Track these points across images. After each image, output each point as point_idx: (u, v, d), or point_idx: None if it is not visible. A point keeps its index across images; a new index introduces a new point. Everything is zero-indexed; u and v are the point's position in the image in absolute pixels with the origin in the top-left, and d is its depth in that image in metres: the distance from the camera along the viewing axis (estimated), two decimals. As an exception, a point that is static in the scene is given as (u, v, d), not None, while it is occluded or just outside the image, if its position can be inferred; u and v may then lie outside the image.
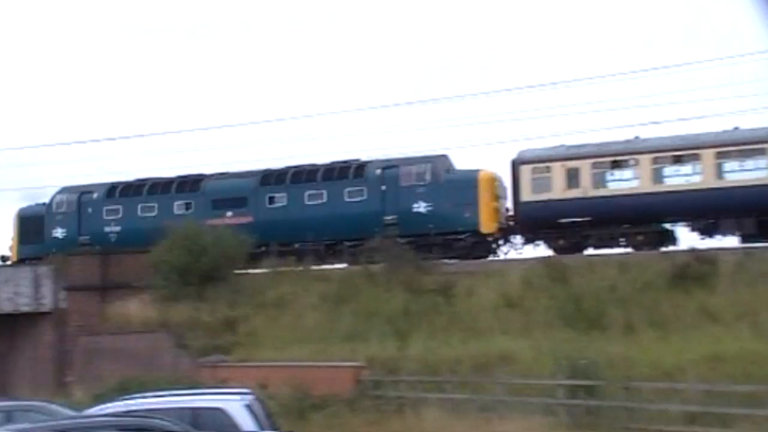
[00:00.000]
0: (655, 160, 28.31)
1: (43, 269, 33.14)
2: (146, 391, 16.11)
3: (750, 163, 27.13)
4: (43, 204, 36.57)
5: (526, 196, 29.34)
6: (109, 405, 13.43)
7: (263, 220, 31.68)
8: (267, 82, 75.26)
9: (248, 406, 12.87)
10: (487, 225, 29.99)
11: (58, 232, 35.46)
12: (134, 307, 30.71)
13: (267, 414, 13.46)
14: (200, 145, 66.57)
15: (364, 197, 30.77)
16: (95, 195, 35.20)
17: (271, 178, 32.61)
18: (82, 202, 35.25)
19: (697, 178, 27.69)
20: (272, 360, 25.76)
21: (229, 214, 32.24)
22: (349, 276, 30.23)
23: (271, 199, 32.03)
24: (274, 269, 31.24)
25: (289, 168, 32.78)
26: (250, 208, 32.16)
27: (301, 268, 31.06)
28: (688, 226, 28.64)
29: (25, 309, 33.72)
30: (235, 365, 26.50)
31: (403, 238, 29.40)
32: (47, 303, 33.21)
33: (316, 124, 65.16)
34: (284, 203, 31.82)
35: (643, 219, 28.18)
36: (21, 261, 35.92)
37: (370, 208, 30.59)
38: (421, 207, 30.24)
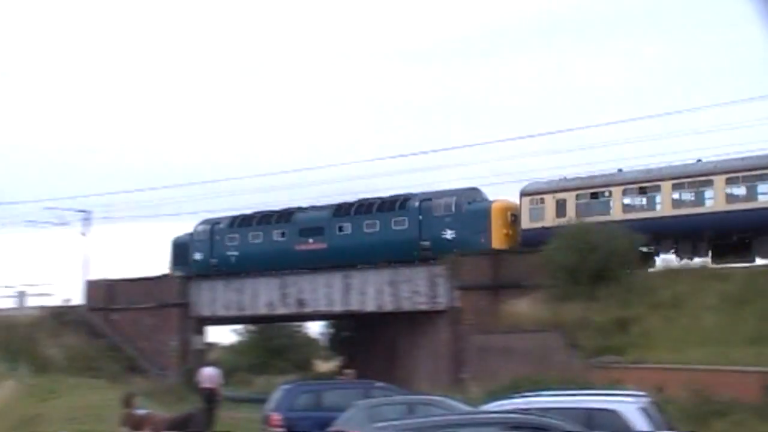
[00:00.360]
0: (624, 192, 32.03)
1: (438, 269, 34.48)
2: (538, 390, 15.99)
3: (704, 194, 30.58)
4: (189, 234, 42.39)
5: (525, 224, 33.67)
6: (503, 402, 13.46)
7: (337, 246, 36.95)
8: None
9: (643, 410, 12.23)
10: (498, 245, 34.10)
11: (197, 256, 41.41)
12: (525, 306, 30.84)
13: (665, 418, 12.71)
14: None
15: (406, 226, 35.62)
16: (222, 226, 41.38)
17: (341, 211, 37.94)
18: (213, 231, 41.39)
19: (658, 207, 31.34)
20: (668, 362, 24.52)
21: (311, 240, 37.77)
22: (753, 275, 28.08)
23: (339, 229, 37.35)
24: (667, 267, 29.92)
25: (353, 203, 38.04)
26: (326, 236, 37.41)
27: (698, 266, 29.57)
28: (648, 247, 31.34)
29: (422, 307, 35.39)
30: (628, 367, 25.58)
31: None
32: (442, 302, 34.55)
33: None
34: (350, 232, 36.96)
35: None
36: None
37: (411, 235, 35.43)
38: (447, 233, 34.82)
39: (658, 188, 31.17)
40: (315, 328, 57.06)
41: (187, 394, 30.16)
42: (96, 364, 36.89)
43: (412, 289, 35.60)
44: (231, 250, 40.33)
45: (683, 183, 30.78)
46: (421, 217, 35.52)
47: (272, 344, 53.97)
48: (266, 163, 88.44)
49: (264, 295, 39.57)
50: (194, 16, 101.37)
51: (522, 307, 31.00)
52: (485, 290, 33.07)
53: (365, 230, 36.70)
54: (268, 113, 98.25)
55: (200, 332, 41.76)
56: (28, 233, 49.95)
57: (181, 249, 42.38)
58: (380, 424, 15.01)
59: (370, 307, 37.08)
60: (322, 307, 38.70)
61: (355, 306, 37.53)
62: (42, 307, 42.07)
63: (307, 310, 39.45)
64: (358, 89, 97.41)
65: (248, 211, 41.14)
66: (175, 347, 39.99)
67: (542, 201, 33.45)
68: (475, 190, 36.18)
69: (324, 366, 52.95)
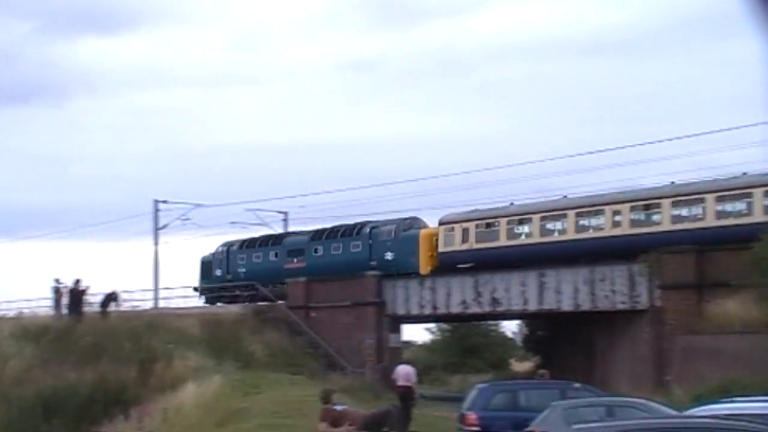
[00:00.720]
0: (509, 222, 37.73)
1: (638, 268, 33.25)
2: (749, 395, 15.02)
3: (591, 221, 35.58)
4: (212, 253, 49.21)
5: (441, 248, 39.51)
6: (711, 407, 12.72)
7: (312, 265, 43.54)
8: None
9: None
10: (424, 268, 40.11)
11: (218, 272, 48.06)
12: (734, 306, 29.15)
13: None
14: None
15: (360, 249, 42.24)
16: (234, 247, 48.25)
17: (316, 236, 44.99)
18: (229, 252, 48.23)
19: (528, 235, 37.26)
20: None
21: (295, 260, 44.56)
22: None
23: (315, 251, 44.29)
24: None
25: (326, 229, 45.12)
26: (305, 256, 44.37)
27: None
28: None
29: (621, 307, 34.20)
30: None
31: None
32: (642, 301, 33.29)
33: None
34: (320, 253, 44.02)
35: (504, 265, 37.32)
36: (201, 293, 48.88)
37: (363, 257, 41.91)
38: (389, 255, 41.09)
39: (530, 220, 37.22)
40: (511, 327, 56.62)
41: (383, 391, 30.46)
42: (296, 360, 37.95)
43: (611, 288, 34.49)
44: (240, 267, 47.25)
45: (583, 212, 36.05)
46: (370, 241, 42.14)
47: (467, 343, 53.86)
48: (452, 162, 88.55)
49: (457, 293, 39.52)
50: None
51: (730, 306, 29.30)
52: (689, 289, 31.53)
53: (332, 252, 43.60)
54: (455, 114, 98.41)
55: (396, 330, 42.17)
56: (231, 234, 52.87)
57: (206, 266, 49.10)
58: (578, 426, 14.52)
59: (566, 306, 36.27)
60: (516, 306, 38.22)
61: (550, 305, 36.81)
62: (245, 305, 43.76)
63: (501, 309, 39.03)
64: (548, 83, 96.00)
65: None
66: (371, 345, 40.57)
67: (452, 229, 39.30)
68: (414, 218, 42.91)
69: (519, 366, 52.32)
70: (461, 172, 55.01)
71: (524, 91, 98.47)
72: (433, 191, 58.01)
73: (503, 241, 37.41)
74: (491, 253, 37.35)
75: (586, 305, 35.54)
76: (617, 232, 34.33)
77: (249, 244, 47.93)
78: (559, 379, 24.85)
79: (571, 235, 35.45)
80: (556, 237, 36.06)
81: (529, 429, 17.66)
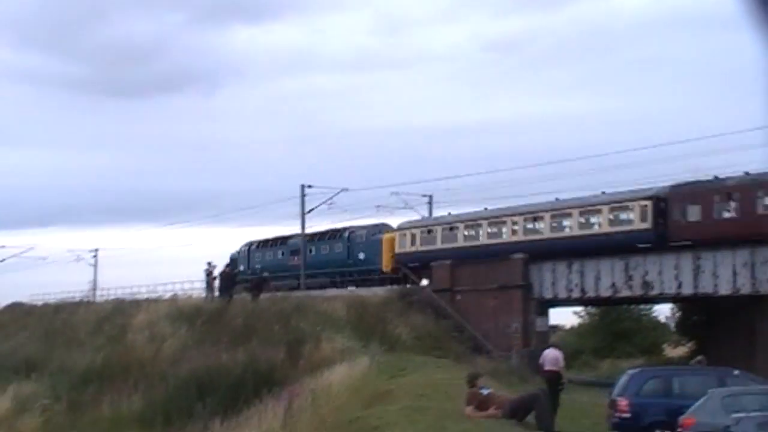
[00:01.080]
0: (443, 230, 45.04)
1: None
2: None
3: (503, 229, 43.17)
4: (238, 251, 58.52)
5: (397, 250, 46.70)
6: None
7: (308, 263, 50.94)
8: None
9: None
10: (386, 266, 47.17)
11: (242, 267, 55.58)
12: None
13: None
14: None
15: (341, 250, 50.53)
16: (253, 247, 57.78)
17: (311, 239, 52.91)
18: (250, 250, 57.74)
19: (461, 241, 44.39)
20: None
21: (296, 258, 52.31)
22: None
23: (310, 250, 52.13)
24: None
25: (317, 233, 53.47)
26: (301, 255, 51.64)
27: None
28: None
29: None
30: None
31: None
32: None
33: None
34: (314, 253, 51.99)
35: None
36: None
37: (343, 257, 50.09)
38: (361, 255, 48.81)
39: (458, 228, 44.67)
40: (663, 311, 54.84)
41: (530, 375, 29.96)
42: (441, 343, 37.81)
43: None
44: (257, 264, 55.43)
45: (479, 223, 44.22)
46: (348, 244, 50.25)
47: (617, 327, 52.54)
48: (605, 142, 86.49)
49: (607, 277, 38.49)
50: None
51: None
52: None
53: (321, 252, 51.86)
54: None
55: (542, 314, 41.50)
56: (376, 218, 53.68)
57: (233, 262, 55.75)
58: (738, 415, 13.78)
59: (724, 290, 34.76)
60: (669, 290, 36.91)
61: (706, 289, 35.39)
62: (390, 288, 43.95)
63: (653, 293, 37.81)
64: (707, 59, 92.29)
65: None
66: (517, 329, 40.07)
67: (405, 235, 46.72)
68: (384, 224, 50.56)
69: (673, 351, 50.62)
70: (611, 152, 53.48)
71: (674, 69, 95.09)
72: (579, 172, 56.82)
73: (438, 245, 44.72)
74: (430, 255, 44.49)
75: (745, 289, 34.01)
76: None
77: (263, 244, 57.60)
78: (716, 366, 23.78)
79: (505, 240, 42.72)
80: (478, 242, 43.58)
81: (683, 417, 16.93)
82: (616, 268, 38.12)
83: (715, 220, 33.99)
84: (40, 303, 61.04)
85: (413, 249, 45.77)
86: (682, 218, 34.96)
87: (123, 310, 43.81)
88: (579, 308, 53.53)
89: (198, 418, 23.39)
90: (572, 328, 59.23)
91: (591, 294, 39.70)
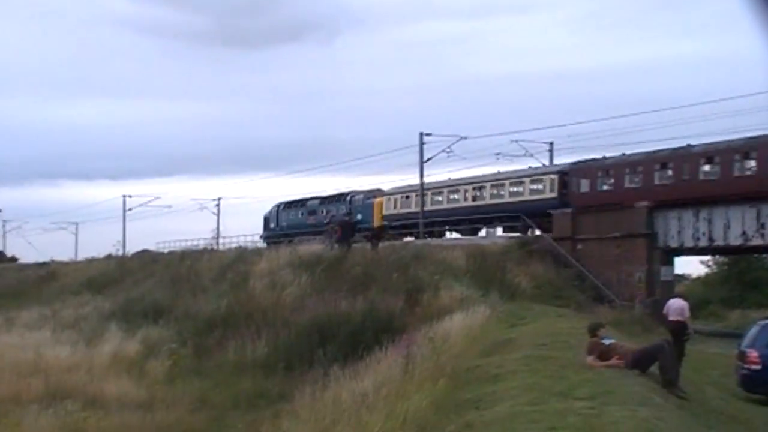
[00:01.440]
0: (416, 195, 53.16)
1: None
2: None
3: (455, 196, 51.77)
4: (270, 211, 68.24)
5: (384, 212, 56.04)
6: None
7: (319, 221, 57.03)
8: None
9: None
10: (376, 225, 53.40)
11: (272, 225, 66.81)
12: None
13: None
14: None
15: (345, 211, 56.46)
16: (281, 208, 67.12)
17: (323, 201, 62.40)
18: (279, 211, 67.28)
19: (438, 204, 52.89)
20: None
21: (312, 219, 61.26)
22: None
23: (321, 211, 60.36)
24: None
25: (326, 196, 62.92)
26: (317, 216, 60.18)
27: None
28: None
29: None
30: None
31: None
32: None
33: None
34: (324, 213, 59.04)
35: (415, 225, 51.75)
36: (264, 240, 65.99)
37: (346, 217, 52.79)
38: (359, 216, 55.56)
39: (426, 194, 52.30)
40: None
41: (654, 326, 29.18)
42: (562, 293, 37.24)
43: None
44: (283, 222, 65.72)
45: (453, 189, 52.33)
46: (350, 206, 58.11)
47: (747, 277, 50.76)
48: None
49: (737, 225, 37.01)
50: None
51: None
52: None
53: (330, 212, 57.53)
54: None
55: (668, 263, 40.32)
56: (497, 166, 53.12)
57: (266, 220, 67.93)
58: None
59: None
60: (805, 239, 35.29)
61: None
62: (510, 237, 43.43)
63: (787, 241, 36.22)
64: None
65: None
66: (640, 278, 39.07)
67: (390, 199, 56.11)
68: (378, 190, 58.88)
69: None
70: (736, 95, 51.20)
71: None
72: (703, 117, 54.56)
73: (413, 209, 52.80)
74: (408, 216, 52.97)
75: None
76: None
77: (288, 206, 66.74)
78: None
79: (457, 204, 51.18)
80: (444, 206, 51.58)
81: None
82: (747, 216, 36.62)
83: (597, 191, 42.15)
84: (166, 251, 63.18)
85: (395, 211, 55.47)
86: (576, 190, 43.07)
87: (245, 258, 44.77)
88: (707, 257, 51.88)
89: (319, 365, 23.67)
90: (699, 278, 57.51)
91: (720, 242, 38.29)
